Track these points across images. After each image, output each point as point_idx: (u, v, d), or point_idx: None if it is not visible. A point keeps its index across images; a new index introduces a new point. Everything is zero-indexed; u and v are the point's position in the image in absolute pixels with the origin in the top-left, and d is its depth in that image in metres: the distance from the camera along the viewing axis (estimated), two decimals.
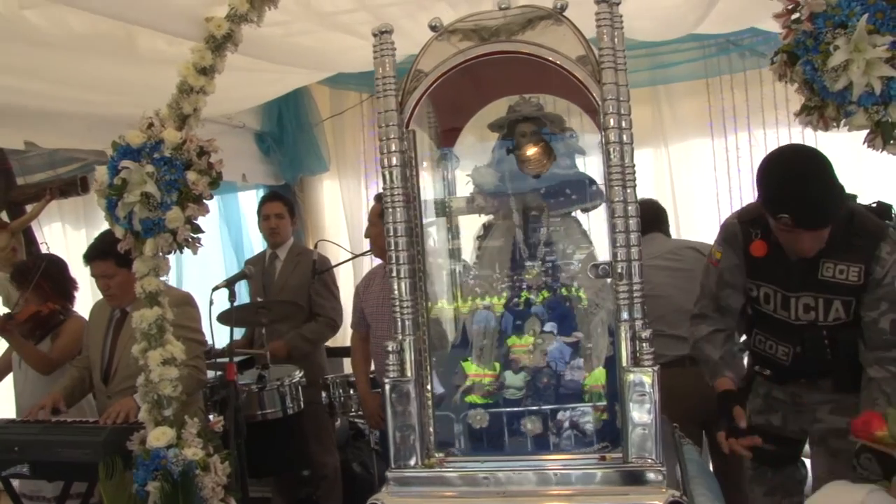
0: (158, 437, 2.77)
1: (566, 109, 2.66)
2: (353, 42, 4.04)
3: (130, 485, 2.73)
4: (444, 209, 2.80)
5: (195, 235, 2.86)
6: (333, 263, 4.91)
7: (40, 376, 3.92)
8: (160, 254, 2.83)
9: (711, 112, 5.53)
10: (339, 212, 6.10)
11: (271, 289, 4.81)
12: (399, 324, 2.30)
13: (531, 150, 2.63)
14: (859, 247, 2.78)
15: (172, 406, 2.84)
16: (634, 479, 2.09)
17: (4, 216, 5.76)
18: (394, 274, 2.29)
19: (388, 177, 2.29)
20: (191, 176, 2.75)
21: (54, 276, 4.02)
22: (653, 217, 4.09)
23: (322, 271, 4.59)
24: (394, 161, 2.27)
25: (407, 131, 2.31)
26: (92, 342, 3.68)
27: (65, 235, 6.72)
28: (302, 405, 4.38)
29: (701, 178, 5.63)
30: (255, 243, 6.09)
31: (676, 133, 5.65)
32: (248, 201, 6.20)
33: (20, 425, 3.31)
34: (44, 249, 5.60)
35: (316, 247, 4.91)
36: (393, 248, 2.29)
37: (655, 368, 2.09)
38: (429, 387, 2.34)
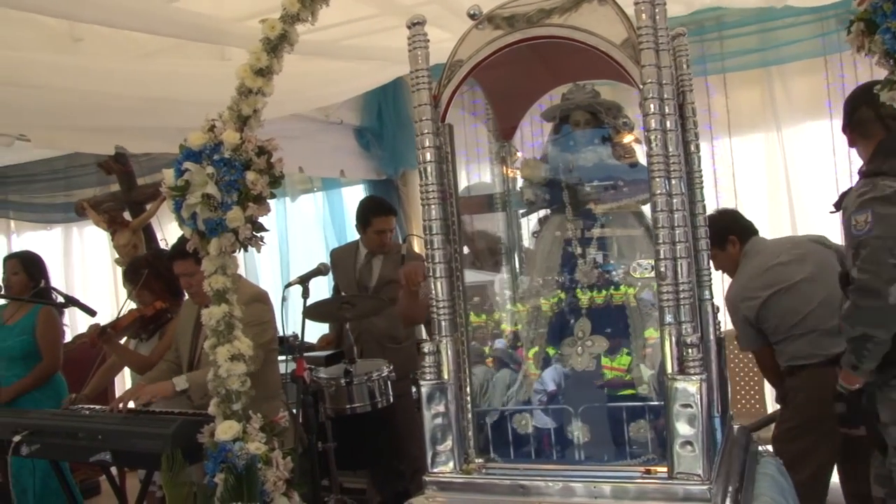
0: (225, 430, 2.78)
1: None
2: (439, 34, 3.97)
3: (192, 477, 2.76)
4: (503, 204, 2.69)
5: (258, 234, 2.85)
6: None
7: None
8: (225, 252, 2.84)
9: (830, 91, 5.08)
10: None
11: (368, 285, 4.79)
12: (436, 324, 2.20)
13: (627, 138, 2.48)
14: None
15: (241, 400, 2.85)
16: (677, 495, 1.91)
17: (127, 215, 6.05)
18: (430, 273, 2.19)
19: (423, 173, 2.18)
20: (250, 176, 2.72)
21: (163, 274, 4.11)
22: (746, 223, 3.84)
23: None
24: (428, 157, 2.17)
25: (442, 125, 2.20)
26: (181, 338, 3.77)
27: (174, 234, 6.95)
28: (391, 399, 4.35)
29: (818, 163, 5.17)
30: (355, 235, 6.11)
31: (790, 115, 5.22)
32: (353, 197, 6.23)
33: (105, 414, 3.43)
34: (163, 246, 5.83)
35: (405, 241, 4.87)
36: (429, 246, 2.19)
37: (703, 377, 1.90)
38: (468, 389, 2.22)
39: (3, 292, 4.17)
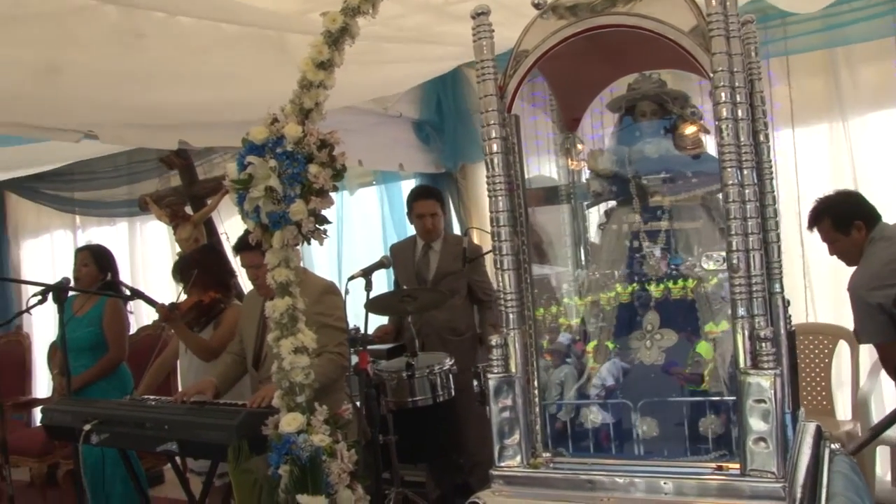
0: (290, 422, 2.81)
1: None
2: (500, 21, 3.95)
3: (259, 468, 2.80)
4: (568, 196, 2.67)
5: (320, 227, 2.87)
6: (488, 250, 4.83)
7: (202, 361, 4.13)
8: (288, 245, 2.86)
9: None
10: None
11: (427, 278, 4.81)
12: (503, 317, 2.19)
13: (689, 129, 2.44)
14: None
15: (305, 393, 2.88)
16: (750, 493, 1.86)
17: (189, 209, 6.16)
18: (497, 265, 2.18)
19: (489, 164, 2.18)
20: (312, 169, 2.75)
21: (210, 269, 4.18)
22: (870, 207, 3.72)
23: (472, 259, 4.53)
24: (495, 148, 2.16)
25: (508, 116, 2.19)
26: (245, 329, 3.82)
27: (241, 226, 7.02)
28: (453, 392, 4.36)
29: (886, 156, 4.92)
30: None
31: (857, 105, 4.99)
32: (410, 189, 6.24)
33: (172, 405, 3.50)
34: (223, 240, 5.92)
35: (466, 234, 4.87)
36: (496, 238, 2.18)
37: (776, 372, 1.85)
38: (535, 383, 2.21)
39: (72, 284, 4.27)
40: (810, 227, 3.82)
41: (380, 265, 3.83)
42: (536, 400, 2.20)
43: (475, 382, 4.48)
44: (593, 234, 2.69)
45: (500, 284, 2.17)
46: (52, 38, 3.19)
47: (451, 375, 4.35)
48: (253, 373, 3.73)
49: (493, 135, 2.15)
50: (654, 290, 2.32)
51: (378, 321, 5.03)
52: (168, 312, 3.97)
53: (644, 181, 2.41)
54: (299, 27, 3.57)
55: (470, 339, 4.84)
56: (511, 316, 2.17)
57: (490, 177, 2.17)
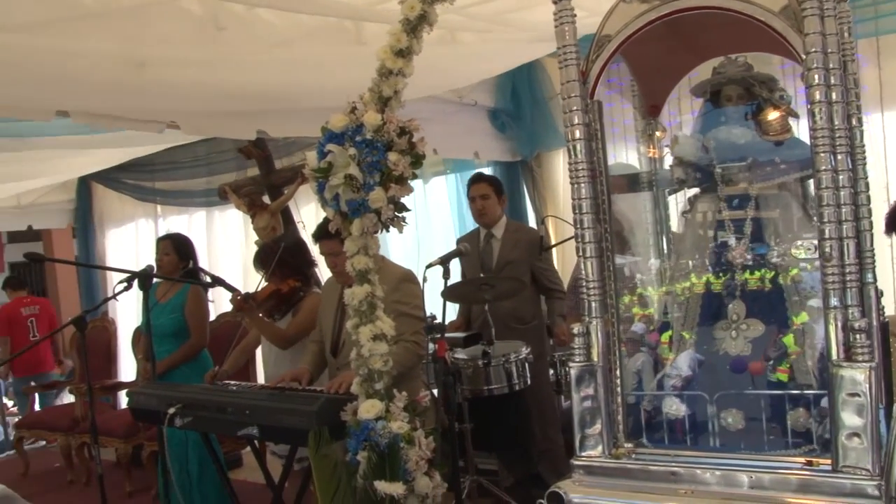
0: (368, 409, 2.84)
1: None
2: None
3: (337, 454, 2.84)
4: (649, 183, 2.63)
5: (400, 214, 2.88)
6: (563, 239, 4.80)
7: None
8: (367, 233, 2.88)
9: None
10: None
11: (491, 267, 4.80)
12: (586, 305, 2.18)
13: (772, 115, 2.38)
14: None
15: (383, 380, 2.90)
16: (843, 491, 1.82)
17: (266, 198, 6.27)
18: (580, 253, 2.17)
19: (572, 151, 2.16)
20: (392, 157, 2.76)
21: (290, 258, 4.23)
22: None
23: (547, 248, 4.50)
24: (577, 134, 2.15)
25: (591, 102, 2.17)
26: (324, 317, 3.86)
27: (316, 215, 7.03)
28: (528, 381, 4.35)
29: None
30: None
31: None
32: None
33: (254, 391, 3.57)
34: (300, 228, 6.00)
35: (543, 223, 4.83)
36: (579, 225, 2.17)
37: (872, 364, 1.80)
38: (618, 372, 2.19)
39: (155, 272, 4.38)
40: (888, 231, 3.65)
41: (457, 253, 3.83)
42: (619, 390, 2.18)
43: (551, 371, 4.50)
44: (675, 223, 2.64)
45: (583, 272, 2.16)
46: (137, 32, 3.28)
47: (527, 364, 4.34)
48: (331, 360, 3.77)
49: (576, 121, 2.14)
50: (740, 280, 2.27)
51: (453, 310, 5.05)
52: (241, 302, 4.03)
53: (729, 167, 2.36)
54: (376, 17, 3.60)
55: (535, 328, 4.81)
56: (593, 304, 2.16)
57: (573, 163, 2.16)
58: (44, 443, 7.58)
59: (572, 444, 4.66)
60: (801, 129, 2.28)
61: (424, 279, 3.54)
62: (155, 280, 4.34)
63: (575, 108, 2.14)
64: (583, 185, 2.15)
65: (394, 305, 3.07)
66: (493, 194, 4.83)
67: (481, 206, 4.83)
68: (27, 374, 8.94)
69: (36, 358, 8.93)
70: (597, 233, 2.16)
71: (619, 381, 2.20)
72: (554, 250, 4.96)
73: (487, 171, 6.09)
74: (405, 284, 3.52)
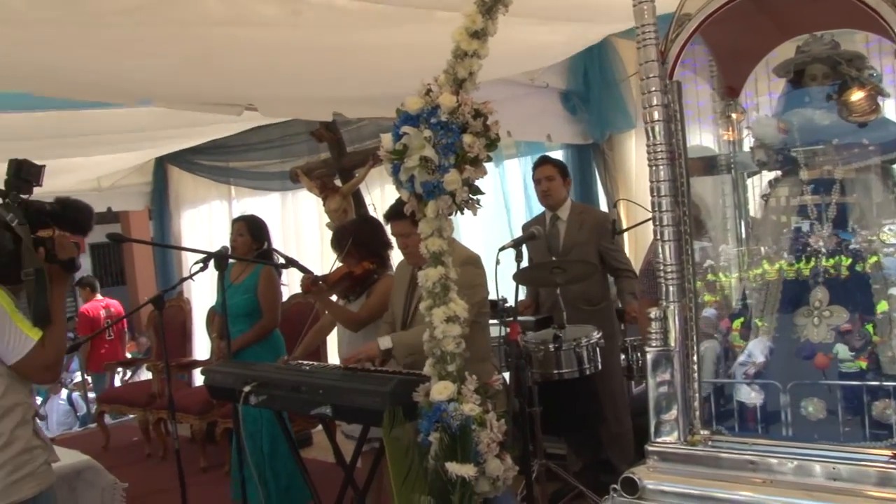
0: (440, 390, 2.86)
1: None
2: None
3: (410, 435, 2.87)
4: (728, 166, 2.58)
5: (474, 197, 2.88)
6: (636, 222, 4.74)
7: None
8: (442, 215, 2.89)
9: None
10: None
11: (558, 249, 4.79)
12: (663, 289, 2.16)
13: (856, 95, 2.31)
14: None
15: (455, 362, 2.92)
16: None
17: (337, 181, 6.34)
18: (657, 236, 2.15)
19: (650, 132, 2.14)
20: (467, 139, 2.76)
21: (364, 242, 4.26)
22: None
23: (620, 232, 4.46)
24: (656, 115, 2.12)
25: (670, 83, 2.13)
26: (395, 298, 3.90)
27: (383, 198, 7.07)
28: (599, 366, 4.32)
29: None
30: None
31: None
32: None
33: (327, 371, 3.62)
34: (371, 211, 6.05)
35: (616, 206, 4.78)
36: (657, 208, 2.15)
37: None
38: (695, 358, 2.17)
39: (230, 253, 4.48)
40: None
41: (530, 237, 3.82)
42: (695, 376, 2.15)
43: (622, 356, 4.47)
44: (753, 206, 2.59)
45: (661, 256, 2.13)
46: (216, 17, 3.34)
47: (598, 349, 4.31)
48: None
49: (655, 102, 2.11)
50: (823, 266, 2.22)
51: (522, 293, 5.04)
52: (309, 285, 4.08)
53: (812, 150, 2.30)
54: (450, 5, 3.58)
55: (605, 310, 4.81)
56: (671, 288, 2.13)
57: (651, 145, 2.14)
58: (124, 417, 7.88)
59: (642, 429, 4.68)
60: (887, 110, 2.21)
61: (497, 262, 3.53)
62: (230, 261, 4.43)
63: (654, 88, 2.11)
64: (661, 167, 2.13)
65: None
66: (557, 176, 4.83)
67: (546, 187, 4.83)
68: (101, 371, 9.70)
69: (110, 353, 9.69)
70: (675, 216, 2.14)
71: (695, 366, 2.17)
72: (625, 234, 4.90)
73: (559, 154, 6.05)
74: (468, 267, 3.52)
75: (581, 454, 4.87)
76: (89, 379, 9.88)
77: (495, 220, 6.43)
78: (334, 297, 4.32)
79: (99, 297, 10.12)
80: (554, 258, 4.68)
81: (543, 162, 4.99)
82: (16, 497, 2.51)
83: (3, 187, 2.64)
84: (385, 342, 3.49)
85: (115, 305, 10.05)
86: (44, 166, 2.69)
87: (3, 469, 2.49)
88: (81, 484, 3.52)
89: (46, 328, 2.56)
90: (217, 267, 4.12)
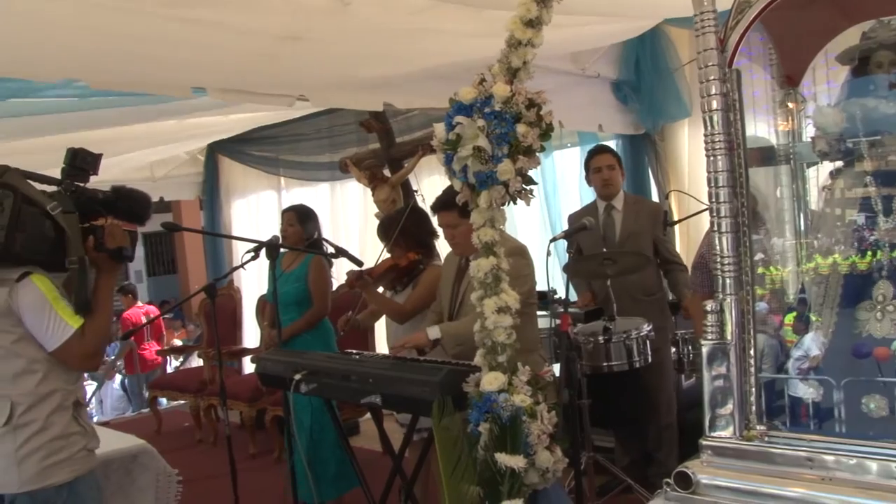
0: (491, 381, 2.86)
1: None
2: None
3: (459, 425, 2.87)
4: (787, 156, 2.53)
5: (527, 187, 2.87)
6: (688, 214, 4.69)
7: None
8: (495, 205, 2.89)
9: None
10: (703, 160, 5.74)
11: (614, 240, 4.75)
12: (720, 282, 2.13)
13: None
14: None
15: (506, 352, 2.91)
16: None
17: (386, 171, 6.37)
18: (715, 228, 2.12)
19: (708, 122, 2.11)
20: (520, 128, 2.74)
21: (411, 232, 4.29)
22: None
23: (672, 223, 4.41)
24: (714, 105, 2.09)
25: (729, 71, 2.10)
26: (443, 289, 3.91)
27: (432, 189, 7.04)
28: (649, 359, 4.29)
29: None
30: None
31: None
32: None
33: (377, 360, 3.64)
34: (419, 201, 6.06)
35: (668, 197, 4.72)
36: (714, 199, 2.12)
37: None
38: (752, 352, 2.13)
39: (280, 242, 4.52)
40: None
41: (582, 227, 3.79)
42: (752, 370, 2.12)
43: (673, 349, 4.42)
44: (813, 198, 2.54)
45: (718, 247, 2.11)
46: (268, 7, 3.37)
47: (647, 341, 4.28)
48: None
49: (713, 91, 2.08)
50: (887, 259, 2.17)
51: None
52: (354, 281, 4.12)
53: (877, 141, 2.24)
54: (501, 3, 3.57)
55: (659, 301, 4.77)
56: (728, 281, 2.11)
57: (709, 135, 2.11)
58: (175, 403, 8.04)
59: (691, 424, 4.63)
60: None
61: (548, 253, 3.52)
62: (280, 250, 4.48)
63: (712, 77, 2.08)
64: (719, 157, 2.10)
65: None
66: (617, 166, 4.81)
67: (608, 176, 4.79)
68: (139, 373, 10.18)
69: (152, 355, 10.20)
70: (733, 207, 2.11)
71: (752, 360, 2.14)
72: (676, 226, 4.85)
73: (611, 144, 6.00)
74: (515, 258, 3.51)
75: (629, 448, 4.84)
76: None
77: (548, 210, 6.41)
78: (380, 289, 4.35)
79: (140, 304, 10.54)
80: (608, 249, 4.64)
81: (603, 150, 4.95)
82: (51, 481, 2.55)
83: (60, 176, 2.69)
84: (434, 332, 3.51)
85: (155, 312, 10.54)
86: (100, 155, 2.73)
87: (37, 453, 2.53)
88: (137, 467, 3.59)
89: (88, 317, 2.59)
90: (268, 256, 4.17)
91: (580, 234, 4.80)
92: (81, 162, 2.67)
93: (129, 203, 2.79)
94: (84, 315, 2.59)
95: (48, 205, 2.55)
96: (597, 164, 4.86)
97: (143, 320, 9.84)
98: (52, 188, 2.66)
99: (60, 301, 2.57)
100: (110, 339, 2.78)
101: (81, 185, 2.69)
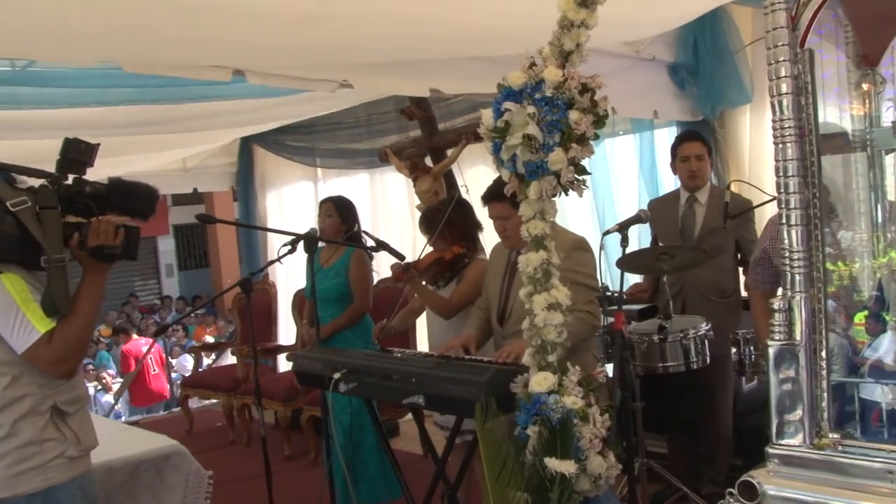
0: (540, 382, 2.84)
1: None
2: None
3: (505, 427, 2.86)
4: (863, 143, 2.47)
5: (580, 177, 2.84)
6: (750, 206, 4.58)
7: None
8: (545, 196, 2.86)
9: None
10: (765, 148, 5.67)
11: (692, 235, 4.67)
12: (789, 278, 2.09)
13: None
14: None
15: (556, 352, 2.89)
16: None
17: (428, 161, 6.35)
18: (783, 220, 2.08)
19: (777, 107, 2.06)
20: (573, 115, 2.71)
21: (456, 223, 4.27)
22: None
23: (735, 215, 4.32)
24: (784, 88, 2.05)
25: (801, 51, 2.05)
26: (491, 283, 3.89)
27: (477, 179, 6.98)
28: (708, 360, 4.23)
29: None
30: (667, 185, 5.94)
31: None
32: (664, 140, 6.05)
33: (420, 358, 3.64)
34: (463, 192, 6.04)
35: (729, 187, 4.64)
36: (783, 189, 2.07)
37: None
38: (823, 353, 2.09)
39: (319, 235, 4.53)
40: None
41: (637, 219, 3.75)
42: (823, 373, 2.07)
43: (733, 350, 4.36)
44: (891, 188, 2.47)
45: (787, 241, 2.06)
46: None
47: (706, 341, 4.22)
48: (497, 328, 3.80)
49: (783, 73, 2.04)
50: None
51: (633, 280, 4.97)
52: (400, 273, 4.11)
53: None
54: None
55: (734, 304, 4.66)
56: (798, 277, 2.06)
57: (778, 121, 2.06)
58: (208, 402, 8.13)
59: (753, 429, 4.55)
60: None
61: (601, 247, 3.49)
62: (319, 244, 4.49)
63: (782, 58, 2.03)
64: (789, 144, 2.05)
65: (566, 274, 3.04)
66: (707, 156, 4.72)
67: (695, 167, 4.69)
68: (144, 405, 10.53)
69: (156, 388, 10.58)
70: (804, 198, 2.06)
71: (822, 363, 2.09)
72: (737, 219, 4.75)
73: (665, 132, 5.93)
74: (578, 252, 3.49)
75: (684, 454, 4.78)
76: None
77: (601, 202, 6.36)
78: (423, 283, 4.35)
79: (135, 336, 11.31)
80: (686, 244, 4.57)
81: (693, 137, 4.84)
82: (20, 489, 2.49)
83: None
84: None
85: (155, 345, 10.72)
86: (97, 145, 2.64)
87: (2, 460, 2.47)
88: (168, 467, 3.64)
89: (61, 321, 2.52)
90: (306, 249, 4.18)
91: (659, 225, 4.78)
92: (75, 153, 2.59)
93: (122, 197, 2.68)
94: (56, 318, 2.52)
95: (9, 200, 2.46)
96: (685, 152, 4.74)
97: (144, 350, 10.10)
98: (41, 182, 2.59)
99: (32, 303, 2.50)
100: (85, 347, 2.69)
101: (76, 177, 2.61)
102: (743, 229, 4.61)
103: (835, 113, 2.52)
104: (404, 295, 4.53)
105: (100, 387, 11.04)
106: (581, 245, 3.56)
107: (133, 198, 2.69)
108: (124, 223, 2.65)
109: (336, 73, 4.26)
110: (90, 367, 11.34)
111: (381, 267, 5.80)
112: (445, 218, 4.11)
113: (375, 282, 5.50)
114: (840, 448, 2.02)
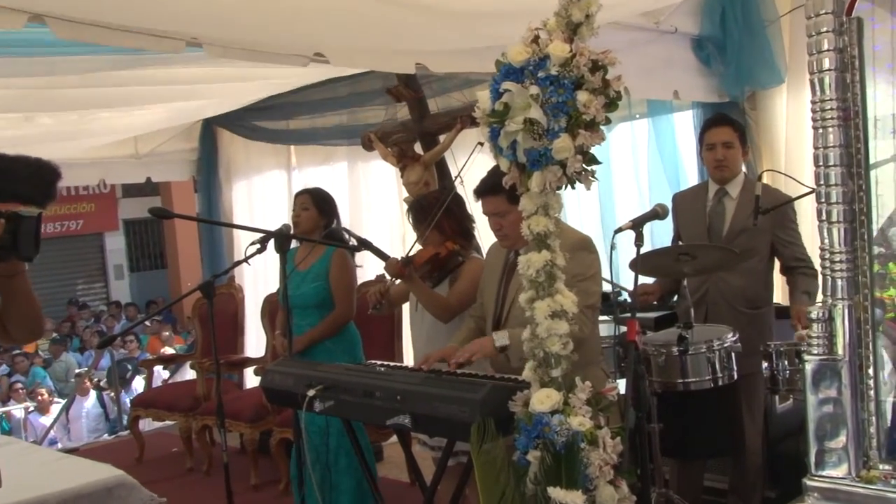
0: (542, 399, 2.83)
1: None
2: None
3: (504, 452, 2.84)
4: None
5: (589, 168, 2.83)
6: (786, 199, 4.55)
7: (435, 321, 4.21)
8: (549, 189, 2.85)
9: None
10: (802, 133, 5.63)
11: (721, 233, 4.62)
12: (829, 283, 2.07)
13: None
14: None
15: (561, 366, 2.88)
16: None
17: (418, 147, 6.32)
18: (822, 217, 2.06)
19: (818, 85, 2.04)
20: (581, 97, 2.70)
21: (455, 214, 4.26)
22: None
23: (766, 210, 4.29)
24: (826, 63, 2.03)
25: (848, 20, 2.03)
26: (486, 287, 3.87)
27: (477, 168, 6.98)
28: (735, 375, 4.21)
29: None
30: (690, 176, 5.94)
31: None
32: (685, 125, 6.04)
33: (405, 373, 3.61)
34: (457, 184, 6.02)
35: (760, 178, 4.60)
36: (823, 181, 2.05)
37: None
38: (871, 370, 2.07)
39: (292, 232, 4.49)
40: None
41: (653, 215, 3.73)
42: (871, 393, 2.05)
43: (764, 364, 4.34)
44: None
45: (827, 241, 2.04)
46: None
47: (732, 354, 4.20)
48: None
49: (826, 46, 2.02)
50: None
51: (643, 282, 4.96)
52: (401, 268, 4.08)
53: None
54: None
55: (765, 315, 4.60)
56: (839, 282, 2.05)
57: (818, 102, 2.05)
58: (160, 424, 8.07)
59: (788, 455, 4.53)
60: None
61: (612, 246, 3.48)
62: (293, 242, 4.45)
63: (825, 28, 2.01)
64: (831, 129, 2.03)
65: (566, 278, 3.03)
66: (737, 143, 4.63)
67: (723, 156, 4.60)
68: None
69: None
70: (847, 191, 2.04)
71: (870, 381, 2.07)
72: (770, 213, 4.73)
73: (688, 115, 5.89)
74: (581, 253, 3.47)
75: (686, 479, 4.71)
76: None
77: (608, 195, 6.36)
78: None
79: None
80: (713, 243, 4.54)
81: (720, 122, 4.75)
82: None
83: None
84: (501, 338, 3.46)
85: None
86: None
87: None
88: (112, 502, 3.60)
89: None
90: (278, 249, 4.15)
91: (683, 221, 4.75)
92: None
93: None
94: None
95: None
96: (711, 138, 4.65)
97: None
98: None
99: None
100: None
101: None
102: (779, 229, 4.52)
103: (888, 91, 2.49)
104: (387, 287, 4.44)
105: (32, 408, 10.95)
106: (585, 245, 3.54)
107: (11, 177, 2.39)
108: (12, 210, 2.37)
109: (308, 46, 4.22)
110: (19, 385, 11.28)
111: (366, 268, 5.79)
112: (444, 207, 4.09)
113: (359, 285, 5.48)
114: (893, 482, 2.00)
